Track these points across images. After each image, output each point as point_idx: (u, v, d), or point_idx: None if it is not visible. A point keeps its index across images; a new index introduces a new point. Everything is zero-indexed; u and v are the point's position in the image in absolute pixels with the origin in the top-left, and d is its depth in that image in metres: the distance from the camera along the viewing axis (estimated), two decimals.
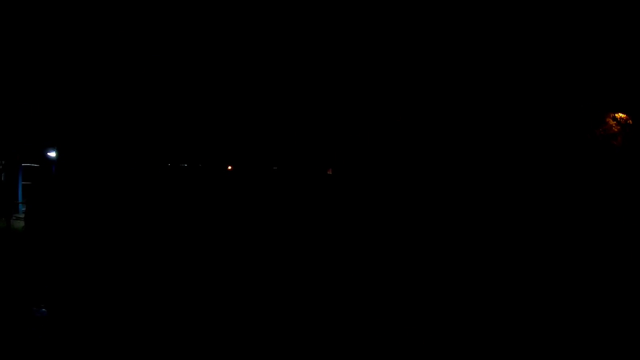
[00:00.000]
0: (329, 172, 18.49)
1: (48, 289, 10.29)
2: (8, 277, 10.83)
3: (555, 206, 13.16)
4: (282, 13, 15.95)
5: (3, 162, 20.71)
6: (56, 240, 14.98)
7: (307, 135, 17.88)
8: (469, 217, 13.99)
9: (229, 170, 20.18)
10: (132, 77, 17.90)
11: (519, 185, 13.87)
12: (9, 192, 20.24)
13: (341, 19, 15.49)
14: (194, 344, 6.88)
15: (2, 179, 20.56)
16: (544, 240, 12.66)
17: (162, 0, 16.13)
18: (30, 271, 11.53)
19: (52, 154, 21.46)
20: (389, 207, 15.15)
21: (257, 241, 14.93)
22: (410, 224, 14.37)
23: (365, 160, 16.40)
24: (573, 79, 13.65)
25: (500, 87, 14.27)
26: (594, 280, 10.80)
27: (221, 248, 14.60)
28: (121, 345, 6.80)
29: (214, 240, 15.09)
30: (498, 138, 14.26)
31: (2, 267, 11.76)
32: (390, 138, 15.89)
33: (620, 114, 13.33)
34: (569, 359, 6.64)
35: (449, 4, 14.39)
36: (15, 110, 19.62)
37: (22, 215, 18.59)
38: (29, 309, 8.45)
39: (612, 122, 13.33)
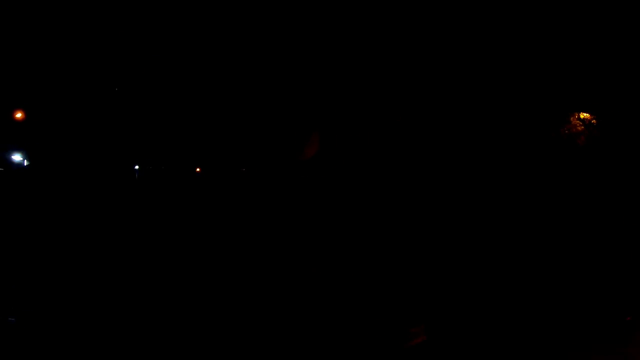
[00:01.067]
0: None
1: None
2: None
3: (521, 202, 13.29)
4: (271, 12, 15.78)
5: None
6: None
7: (276, 136, 17.72)
8: (442, 213, 14.00)
9: (198, 172, 19.93)
10: (99, 78, 17.56)
11: (487, 180, 13.97)
12: None
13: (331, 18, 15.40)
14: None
15: None
16: (511, 234, 12.78)
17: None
18: None
19: (16, 158, 20.91)
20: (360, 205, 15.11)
21: (229, 243, 14.71)
22: (393, 221, 14.32)
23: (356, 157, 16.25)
24: (538, 79, 13.81)
25: (468, 87, 14.35)
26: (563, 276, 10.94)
27: (194, 251, 14.34)
28: None
29: (186, 243, 14.83)
30: (465, 137, 14.33)
31: None
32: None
33: (585, 114, 13.54)
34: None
35: None
36: None
37: None
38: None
39: (576, 122, 13.54)
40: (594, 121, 13.39)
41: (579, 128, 13.55)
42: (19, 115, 19.15)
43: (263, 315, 8.53)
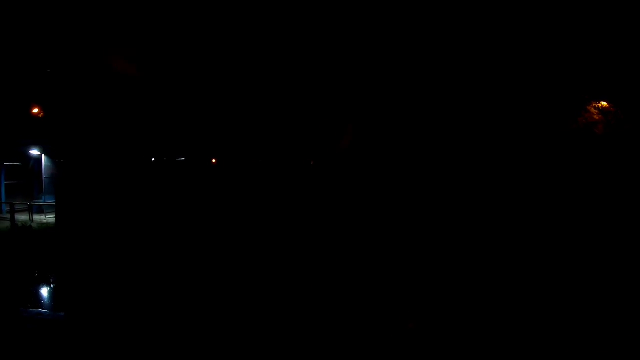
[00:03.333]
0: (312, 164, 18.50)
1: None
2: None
3: (539, 192, 13.36)
4: (276, 13, 15.89)
5: None
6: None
7: (292, 129, 17.85)
8: (452, 209, 14.13)
9: (213, 163, 20.08)
10: (119, 76, 17.70)
11: (505, 172, 14.04)
12: None
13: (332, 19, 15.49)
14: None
15: None
16: (528, 225, 12.87)
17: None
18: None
19: (35, 152, 21.19)
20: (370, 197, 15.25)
21: (245, 234, 14.92)
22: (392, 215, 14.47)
23: (355, 154, 16.44)
24: (556, 69, 13.80)
25: (485, 79, 14.38)
26: (576, 269, 10.98)
27: (208, 241, 14.57)
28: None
29: (202, 234, 15.06)
30: (483, 128, 14.39)
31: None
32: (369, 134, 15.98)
33: (603, 103, 13.52)
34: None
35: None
36: None
37: (6, 216, 18.34)
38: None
39: (594, 111, 13.53)
40: (612, 110, 13.37)
41: (596, 117, 13.53)
42: (35, 110, 19.41)
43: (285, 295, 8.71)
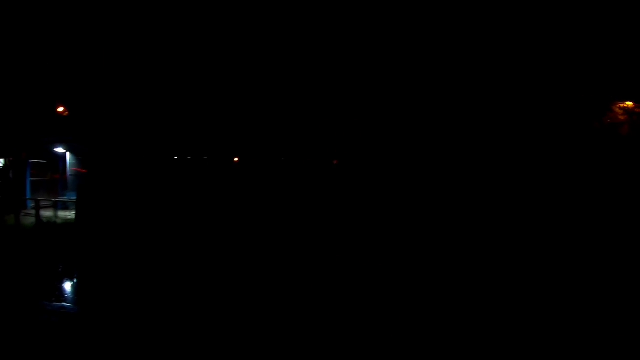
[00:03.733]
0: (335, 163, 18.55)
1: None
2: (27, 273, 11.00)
3: (563, 191, 13.20)
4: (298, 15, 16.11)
5: (10, 159, 20.84)
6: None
7: (313, 127, 17.91)
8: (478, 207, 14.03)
9: (235, 162, 20.25)
10: (137, 75, 17.99)
11: (529, 171, 13.91)
12: (17, 188, 20.37)
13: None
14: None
15: (11, 176, 20.68)
16: (550, 224, 12.72)
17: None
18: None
19: (59, 150, 21.61)
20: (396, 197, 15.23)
21: (266, 231, 15.01)
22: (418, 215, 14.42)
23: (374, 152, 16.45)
24: (580, 70, 13.64)
25: (511, 79, 14.30)
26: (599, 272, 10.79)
27: (231, 238, 14.69)
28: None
29: (224, 230, 15.21)
30: (510, 127, 14.30)
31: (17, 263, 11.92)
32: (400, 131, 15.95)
33: (628, 103, 13.30)
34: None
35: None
36: (21, 109, 19.77)
37: (31, 211, 18.74)
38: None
39: (618, 111, 13.31)
40: (637, 110, 13.13)
41: (621, 118, 13.30)
42: (61, 109, 19.83)
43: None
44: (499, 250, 12.35)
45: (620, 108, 13.21)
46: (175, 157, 20.87)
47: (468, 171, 14.67)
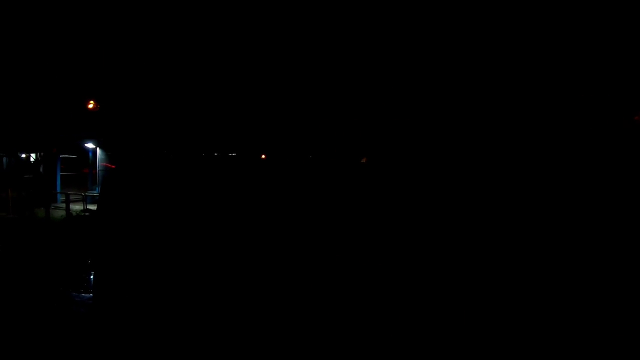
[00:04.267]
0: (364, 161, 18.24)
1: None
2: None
3: (592, 193, 12.69)
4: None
5: (41, 154, 21.11)
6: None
7: (341, 124, 17.66)
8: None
9: (263, 158, 20.05)
10: (166, 73, 18.02)
11: (562, 168, 13.47)
12: (47, 182, 20.62)
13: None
14: None
15: (41, 170, 20.94)
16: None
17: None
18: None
19: (89, 145, 21.81)
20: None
21: (293, 231, 14.77)
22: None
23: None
24: (612, 69, 13.20)
25: (544, 79, 13.95)
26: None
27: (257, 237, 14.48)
28: None
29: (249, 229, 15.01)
30: (544, 124, 13.87)
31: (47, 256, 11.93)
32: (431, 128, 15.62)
33: None
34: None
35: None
36: (52, 105, 20.01)
37: (61, 205, 18.92)
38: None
39: None
40: None
41: None
42: (91, 105, 19.95)
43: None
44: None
45: None
46: (203, 154, 20.83)
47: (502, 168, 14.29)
